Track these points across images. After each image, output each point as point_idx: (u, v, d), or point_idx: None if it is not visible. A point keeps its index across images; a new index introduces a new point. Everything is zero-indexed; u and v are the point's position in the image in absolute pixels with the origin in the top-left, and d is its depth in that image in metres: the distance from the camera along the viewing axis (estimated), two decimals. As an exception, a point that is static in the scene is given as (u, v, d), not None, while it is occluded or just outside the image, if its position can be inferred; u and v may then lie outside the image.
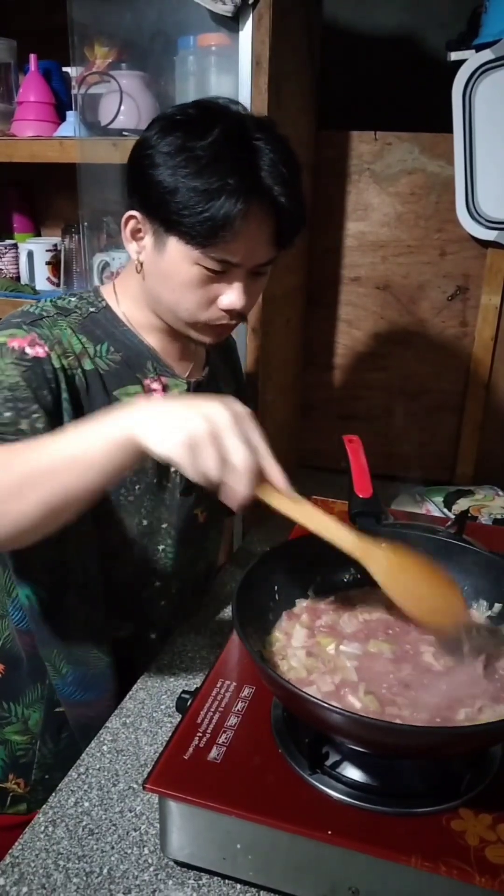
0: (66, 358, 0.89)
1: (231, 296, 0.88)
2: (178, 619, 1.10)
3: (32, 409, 0.84)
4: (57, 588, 0.96)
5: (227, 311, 0.90)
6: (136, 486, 0.97)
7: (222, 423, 0.67)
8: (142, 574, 1.03)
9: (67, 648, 0.99)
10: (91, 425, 0.71)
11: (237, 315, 0.91)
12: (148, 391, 0.96)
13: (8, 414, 0.82)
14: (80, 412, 0.90)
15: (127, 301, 0.97)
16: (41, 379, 0.85)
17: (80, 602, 0.97)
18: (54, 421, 0.86)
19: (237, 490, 0.68)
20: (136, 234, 0.91)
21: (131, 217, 0.90)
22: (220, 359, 1.15)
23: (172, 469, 0.99)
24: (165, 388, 0.98)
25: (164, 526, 1.02)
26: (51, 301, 0.96)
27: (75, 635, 0.98)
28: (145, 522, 1.00)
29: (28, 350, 0.86)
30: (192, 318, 0.91)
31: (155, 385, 0.97)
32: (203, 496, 1.05)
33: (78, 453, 0.70)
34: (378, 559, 0.76)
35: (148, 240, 0.90)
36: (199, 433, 0.66)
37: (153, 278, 0.91)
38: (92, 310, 0.96)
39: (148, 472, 0.97)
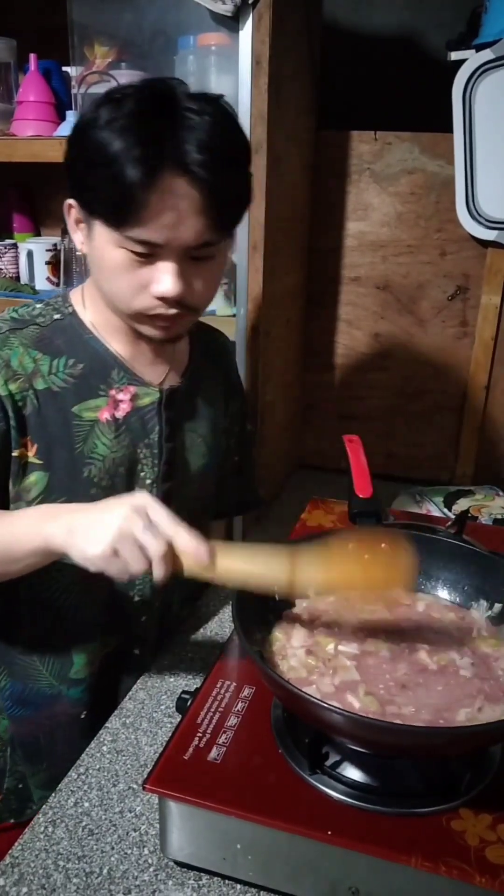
0: (15, 381, 0.86)
1: (161, 281, 0.81)
2: (163, 632, 1.06)
3: None
4: (8, 600, 0.95)
5: (161, 298, 0.83)
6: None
7: (130, 525, 0.72)
8: (121, 590, 0.99)
9: (8, 660, 0.98)
10: (18, 525, 0.80)
11: (176, 303, 0.83)
12: (114, 402, 0.92)
13: None
14: (28, 434, 0.88)
15: (91, 304, 0.93)
16: None
17: (31, 617, 0.96)
18: (1, 449, 0.86)
19: (158, 575, 0.73)
20: (78, 223, 0.87)
21: (70, 205, 0.86)
22: (209, 362, 1.07)
23: (148, 481, 0.96)
24: (134, 398, 0.93)
25: None
26: (11, 311, 0.93)
27: (19, 650, 0.97)
28: None
29: None
30: (129, 309, 0.85)
31: (122, 395, 0.93)
32: (181, 507, 1.02)
33: (6, 548, 0.80)
34: (308, 579, 0.76)
35: (84, 228, 0.85)
36: (114, 542, 0.71)
37: (93, 268, 0.88)
38: (57, 316, 0.93)
39: (117, 485, 0.94)
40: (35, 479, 0.89)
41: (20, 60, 1.59)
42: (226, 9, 1.21)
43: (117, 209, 0.77)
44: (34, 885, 0.70)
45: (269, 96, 1.24)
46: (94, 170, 0.78)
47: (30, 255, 1.71)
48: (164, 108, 0.77)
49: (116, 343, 0.93)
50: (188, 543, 0.73)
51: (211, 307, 1.40)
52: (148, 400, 0.95)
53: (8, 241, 1.80)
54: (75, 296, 0.96)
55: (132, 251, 0.80)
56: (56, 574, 0.92)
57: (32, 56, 1.54)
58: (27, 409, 0.87)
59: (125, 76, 1.38)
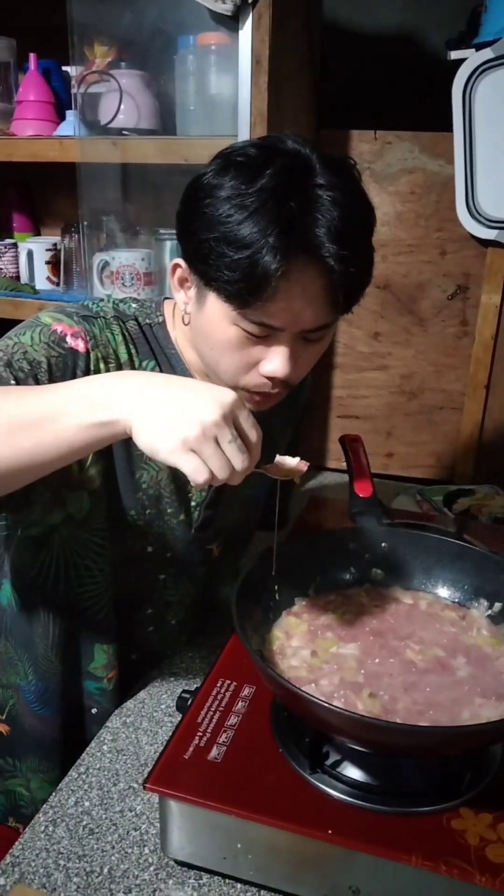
0: (107, 363, 0.84)
1: (273, 362, 0.78)
2: (168, 646, 1.05)
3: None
4: (37, 594, 0.94)
5: (269, 378, 0.80)
6: (147, 511, 0.92)
7: (217, 431, 0.64)
8: (136, 598, 0.98)
9: (35, 656, 0.97)
10: (74, 390, 0.68)
11: (281, 384, 0.81)
12: None
13: (13, 381, 0.76)
14: None
15: (180, 330, 0.90)
16: (68, 370, 0.81)
17: (58, 614, 0.95)
18: None
19: (230, 481, 0.67)
20: (183, 282, 0.84)
21: (177, 265, 0.83)
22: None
23: (193, 503, 0.95)
24: None
25: (169, 555, 0.96)
26: (112, 303, 0.91)
27: (43, 647, 0.96)
28: (150, 549, 0.95)
29: (69, 339, 0.81)
30: (233, 382, 0.82)
31: None
32: (220, 531, 1.00)
33: (52, 419, 0.66)
34: None
35: (192, 291, 0.82)
36: (194, 443, 0.63)
37: (196, 333, 0.84)
38: (148, 321, 0.91)
39: (162, 499, 0.92)
40: (100, 469, 0.87)
41: (20, 60, 1.59)
42: (226, 8, 1.20)
43: (244, 293, 0.74)
44: (35, 884, 0.70)
45: (269, 96, 1.24)
46: (219, 246, 0.73)
47: (30, 254, 1.71)
48: (300, 187, 0.73)
49: (196, 376, 0.90)
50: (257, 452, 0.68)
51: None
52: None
53: (8, 241, 1.80)
54: (167, 308, 0.93)
55: (248, 331, 0.77)
56: (75, 569, 0.92)
57: (32, 55, 1.54)
58: None
59: (125, 75, 1.39)
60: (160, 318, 0.91)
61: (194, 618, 1.06)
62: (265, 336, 0.78)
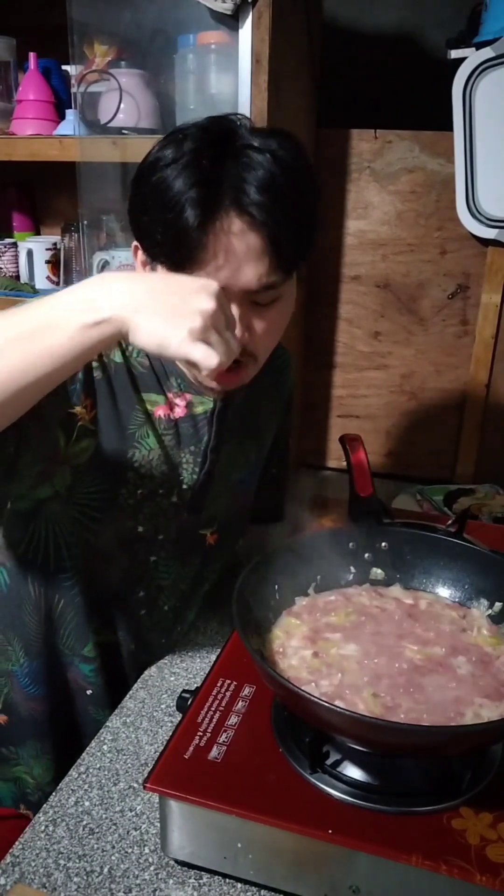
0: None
1: None
2: (161, 633, 1.04)
3: None
4: (27, 572, 0.95)
5: None
6: (139, 490, 0.93)
7: (216, 320, 0.66)
8: (128, 581, 0.99)
9: (26, 638, 0.98)
10: (53, 303, 0.67)
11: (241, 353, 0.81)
12: (171, 404, 0.93)
13: None
14: (94, 397, 0.87)
15: None
16: None
17: (49, 593, 0.95)
18: (61, 402, 0.84)
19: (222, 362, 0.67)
20: (145, 265, 0.84)
21: (136, 248, 0.85)
22: (269, 378, 1.02)
23: (184, 485, 0.96)
24: (190, 405, 0.93)
25: (161, 538, 0.97)
26: None
27: (35, 626, 0.97)
28: (140, 529, 0.95)
29: None
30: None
31: (178, 400, 0.93)
32: (213, 517, 1.01)
33: (54, 324, 0.66)
34: None
35: (149, 271, 0.84)
36: (203, 332, 0.65)
37: None
38: None
39: (154, 479, 0.93)
40: (86, 445, 0.88)
41: (20, 59, 1.59)
42: (226, 7, 1.20)
43: (174, 252, 0.75)
44: (35, 884, 0.70)
45: (269, 95, 1.24)
46: (152, 212, 0.76)
47: (29, 253, 1.71)
48: (225, 147, 0.75)
49: (182, 363, 0.91)
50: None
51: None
52: (202, 409, 0.94)
53: (8, 240, 1.80)
54: None
55: None
56: (68, 550, 0.93)
57: (32, 55, 1.54)
58: (96, 373, 0.86)
59: (125, 75, 1.38)
60: None
61: (188, 606, 1.06)
62: None
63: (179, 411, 0.93)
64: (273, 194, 0.74)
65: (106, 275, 0.73)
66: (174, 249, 0.75)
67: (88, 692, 1.01)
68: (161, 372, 0.92)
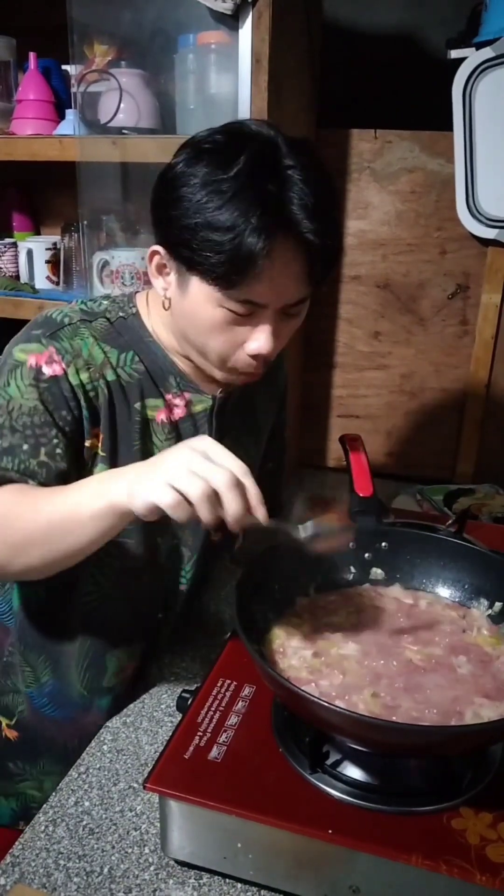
0: (87, 371, 0.86)
1: (259, 340, 0.82)
2: (168, 636, 1.05)
3: (52, 434, 0.83)
4: (61, 590, 0.94)
5: (254, 356, 0.84)
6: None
7: (188, 461, 0.69)
8: (159, 598, 0.99)
9: (55, 657, 0.97)
10: (81, 492, 0.76)
11: (265, 360, 0.85)
12: (170, 406, 0.93)
13: (27, 446, 0.82)
14: (100, 424, 0.88)
15: (156, 318, 0.92)
16: (59, 399, 0.84)
17: (80, 613, 0.95)
18: (75, 439, 0.86)
19: (231, 508, 0.70)
20: (161, 269, 0.86)
21: (155, 252, 0.85)
22: (264, 374, 1.06)
23: None
24: (189, 404, 0.94)
25: (184, 549, 0.98)
26: (80, 303, 0.92)
27: (64, 645, 0.96)
28: (158, 540, 0.96)
29: (45, 369, 0.84)
30: (219, 362, 0.86)
31: (177, 401, 0.93)
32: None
33: (72, 519, 0.76)
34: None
35: (173, 276, 0.84)
36: (172, 480, 0.68)
37: (179, 317, 0.86)
38: (122, 314, 0.92)
39: None
40: (100, 470, 0.89)
41: (20, 59, 1.59)
42: (226, 7, 1.20)
43: (231, 274, 0.77)
44: (35, 884, 0.70)
45: (269, 94, 1.24)
46: (202, 231, 0.76)
47: (29, 253, 1.71)
48: (273, 169, 0.76)
49: (176, 359, 0.93)
50: (252, 487, 0.71)
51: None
52: (201, 407, 0.95)
53: (7, 240, 1.79)
54: (140, 299, 0.95)
55: (231, 310, 0.80)
56: (94, 578, 0.93)
57: (32, 55, 1.54)
58: (99, 400, 0.87)
59: (125, 74, 1.38)
60: (133, 310, 0.93)
61: (194, 607, 1.08)
62: (249, 314, 0.81)
63: (179, 412, 0.94)
64: (318, 217, 0.77)
65: (115, 470, 0.80)
66: (230, 272, 0.77)
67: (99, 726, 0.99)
68: (158, 374, 0.92)
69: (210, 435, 0.95)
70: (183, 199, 0.77)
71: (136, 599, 0.97)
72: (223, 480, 0.68)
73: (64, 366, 0.84)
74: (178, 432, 0.94)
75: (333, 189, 0.83)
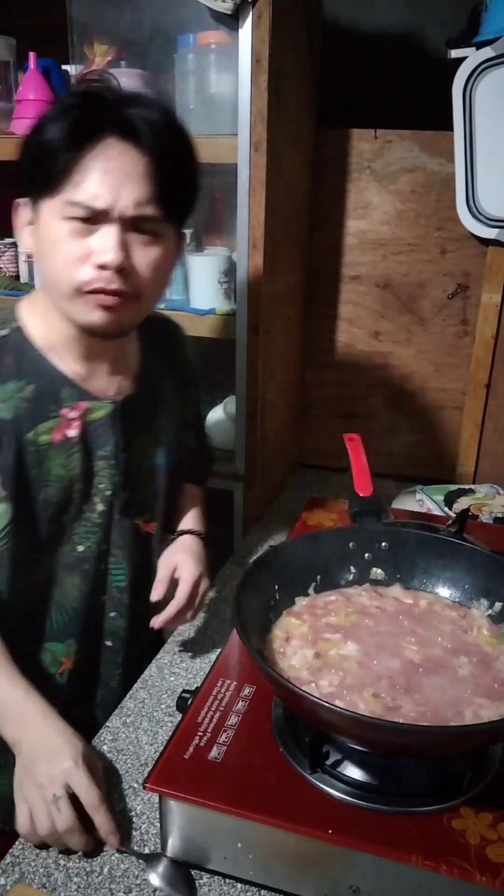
0: None
1: (101, 247, 0.80)
2: (131, 630, 1.05)
3: None
4: None
5: (101, 266, 0.81)
6: (63, 517, 0.94)
7: (40, 797, 0.75)
8: (89, 593, 1.00)
9: None
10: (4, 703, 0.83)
11: (118, 277, 0.82)
12: (66, 421, 0.91)
13: None
14: None
15: (37, 318, 0.91)
16: None
17: (9, 624, 0.94)
18: None
19: (73, 845, 0.75)
20: (28, 224, 0.87)
21: (16, 205, 0.87)
22: (162, 360, 1.06)
23: (107, 492, 0.97)
24: (85, 413, 0.92)
25: (104, 548, 0.99)
26: None
27: None
28: (80, 549, 0.97)
29: None
30: (70, 284, 0.82)
31: (73, 413, 0.91)
32: (146, 506, 1.04)
33: None
34: None
35: (34, 221, 0.85)
36: (26, 816, 0.75)
37: (40, 259, 0.86)
38: (3, 332, 0.90)
39: (74, 502, 0.94)
40: (2, 511, 0.89)
41: (20, 59, 1.59)
42: (226, 7, 1.20)
43: (52, 169, 0.79)
44: (35, 884, 0.70)
45: (269, 94, 1.24)
46: (35, 149, 0.81)
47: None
48: (109, 94, 0.82)
49: (69, 360, 0.91)
50: (104, 824, 0.75)
51: (210, 306, 1.40)
52: (101, 413, 0.94)
53: (8, 240, 1.79)
54: (24, 308, 0.93)
55: (74, 218, 0.80)
56: (13, 588, 0.93)
57: (32, 54, 1.54)
58: None
59: (125, 75, 1.38)
60: (14, 324, 0.91)
61: (145, 600, 1.06)
62: (92, 221, 0.81)
63: (77, 424, 0.92)
64: (157, 127, 0.81)
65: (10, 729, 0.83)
66: (55, 169, 0.79)
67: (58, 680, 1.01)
68: (49, 392, 0.90)
69: (115, 440, 0.95)
70: (27, 142, 0.83)
71: (62, 600, 0.98)
72: (64, 826, 0.73)
73: None
74: (81, 445, 0.93)
75: (183, 128, 0.86)
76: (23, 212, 0.87)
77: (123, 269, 0.82)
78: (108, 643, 1.05)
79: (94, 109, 0.80)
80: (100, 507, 0.97)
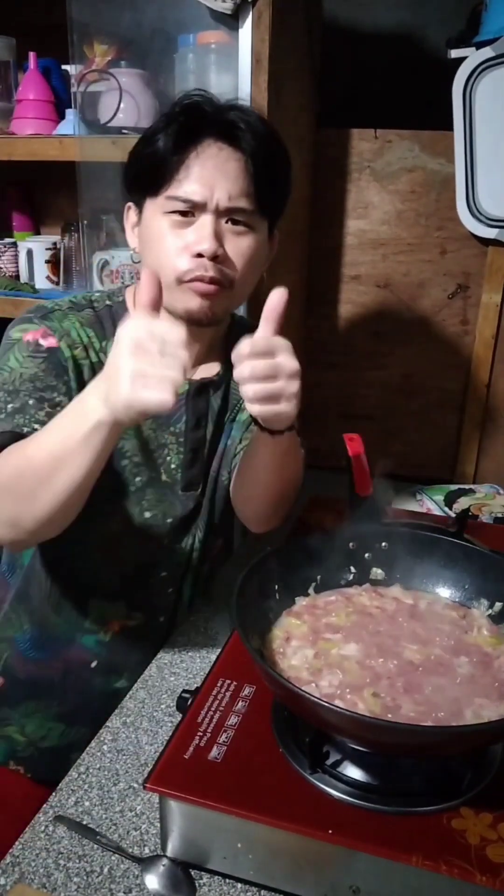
0: (75, 349, 0.92)
1: (198, 235, 0.89)
2: (184, 605, 1.10)
3: (53, 395, 0.88)
4: (40, 550, 1.02)
5: (199, 255, 0.89)
6: (137, 478, 0.99)
7: (142, 361, 0.68)
8: (147, 563, 1.05)
9: (30, 609, 1.04)
10: (63, 421, 0.77)
11: (213, 266, 0.89)
12: None
13: (32, 401, 0.87)
14: None
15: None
16: (58, 367, 0.90)
17: (51, 571, 1.02)
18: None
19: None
20: (134, 226, 0.96)
21: (128, 208, 0.96)
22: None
23: (172, 465, 1.02)
24: None
25: (170, 521, 1.03)
26: (71, 298, 0.99)
27: (37, 600, 1.04)
28: (147, 515, 1.01)
29: (42, 341, 0.91)
30: (173, 275, 0.90)
31: None
32: (212, 492, 1.07)
33: (67, 450, 0.75)
34: None
35: (139, 223, 0.95)
36: (135, 388, 0.68)
37: (145, 255, 0.94)
38: (108, 303, 0.99)
39: (146, 464, 0.99)
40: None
41: (20, 59, 1.59)
42: (225, 7, 1.20)
43: (159, 172, 0.88)
44: (35, 884, 0.70)
45: (269, 94, 1.24)
46: (144, 158, 0.90)
47: (29, 253, 1.71)
48: (212, 101, 0.91)
49: None
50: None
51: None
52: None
53: (7, 240, 1.80)
54: (129, 291, 1.02)
55: (174, 212, 0.89)
56: (77, 538, 0.94)
57: (32, 54, 1.54)
58: (86, 375, 0.93)
59: (125, 74, 1.38)
60: (120, 299, 1.00)
61: (188, 584, 1.11)
62: (190, 216, 0.89)
63: None
64: (255, 132, 0.89)
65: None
66: (158, 171, 0.88)
67: (94, 664, 1.05)
68: None
69: (186, 418, 1.02)
70: (134, 152, 0.93)
71: (120, 562, 1.03)
72: (177, 379, 0.69)
73: (57, 340, 0.92)
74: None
75: (279, 136, 0.94)
76: (130, 215, 0.97)
77: (218, 257, 0.89)
78: (161, 619, 1.08)
79: (195, 117, 0.88)
80: (164, 478, 1.01)
